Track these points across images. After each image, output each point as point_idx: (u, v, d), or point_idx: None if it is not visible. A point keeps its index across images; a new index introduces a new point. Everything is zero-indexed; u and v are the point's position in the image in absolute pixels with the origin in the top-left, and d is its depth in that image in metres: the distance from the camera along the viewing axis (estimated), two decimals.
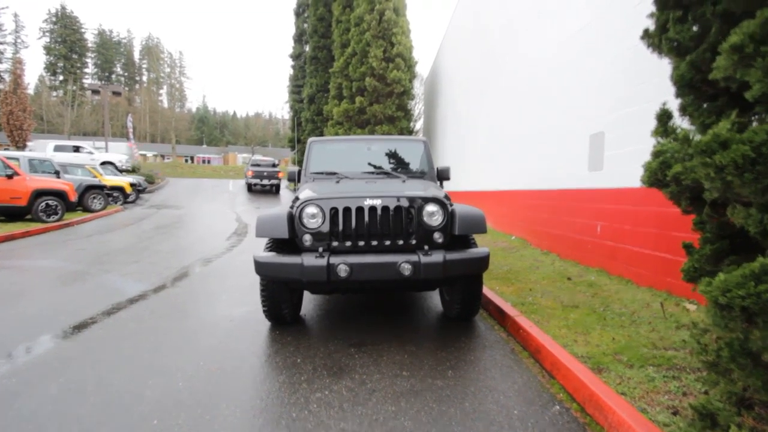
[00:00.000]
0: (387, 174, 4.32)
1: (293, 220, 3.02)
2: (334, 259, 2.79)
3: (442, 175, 4.44)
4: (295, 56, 24.24)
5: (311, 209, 3.01)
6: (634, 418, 1.76)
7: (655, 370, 2.25)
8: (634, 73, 4.11)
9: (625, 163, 4.20)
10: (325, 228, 2.99)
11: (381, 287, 3.14)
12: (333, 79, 17.66)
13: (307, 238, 2.99)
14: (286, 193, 23.56)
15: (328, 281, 2.78)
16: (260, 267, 2.88)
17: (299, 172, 4.39)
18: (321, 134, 19.83)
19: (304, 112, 21.18)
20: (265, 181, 22.01)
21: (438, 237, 3.05)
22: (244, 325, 3.33)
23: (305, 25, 23.28)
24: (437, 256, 2.85)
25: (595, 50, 4.73)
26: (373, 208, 3.01)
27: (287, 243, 3.11)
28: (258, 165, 22.75)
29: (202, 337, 3.08)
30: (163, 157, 49.94)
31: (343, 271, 2.75)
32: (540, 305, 3.54)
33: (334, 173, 4.29)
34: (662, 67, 3.93)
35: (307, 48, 23.55)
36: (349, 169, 4.45)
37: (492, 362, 2.65)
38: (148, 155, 38.29)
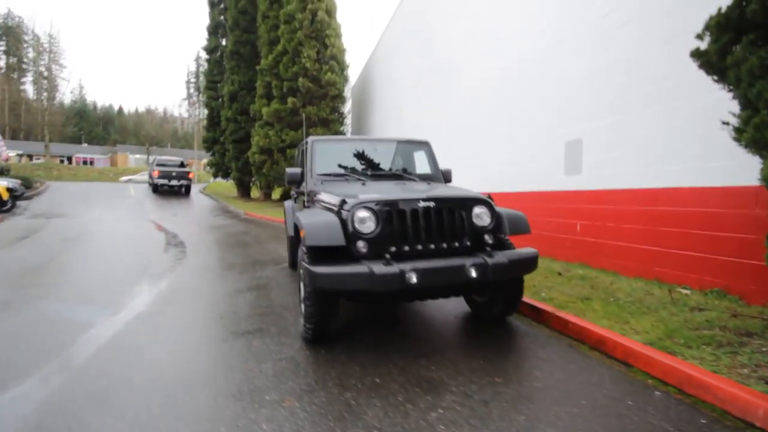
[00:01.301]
0: (397, 176, 4.19)
1: (345, 226, 2.75)
2: (402, 266, 2.60)
3: (446, 178, 4.46)
4: (211, 50, 22.25)
5: (364, 213, 2.78)
6: (744, 391, 1.96)
7: (712, 348, 2.54)
8: (608, 86, 4.63)
9: (604, 167, 4.71)
10: (380, 232, 2.78)
11: (444, 292, 3.02)
12: (260, 77, 16.65)
13: (361, 245, 2.74)
14: (199, 197, 21.52)
15: (409, 291, 2.59)
16: (320, 279, 2.56)
17: (302, 174, 4.03)
18: (247, 135, 18.50)
19: (224, 110, 19.54)
20: (174, 182, 20.50)
21: (488, 238, 3.06)
22: (265, 349, 2.92)
23: (222, 18, 21.55)
24: (502, 257, 2.85)
25: (570, 64, 5.22)
26: (427, 210, 2.90)
27: (328, 252, 2.78)
28: (164, 165, 21.16)
29: (239, 363, 2.62)
30: (30, 157, 41.66)
31: (413, 277, 2.58)
32: (557, 300, 3.75)
33: (344, 175, 4.04)
34: (636, 82, 4.46)
35: (224, 42, 21.85)
36: (356, 170, 4.23)
37: (563, 358, 2.72)
38: (11, 154, 31.49)
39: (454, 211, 2.97)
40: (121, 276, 5.24)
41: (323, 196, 3.32)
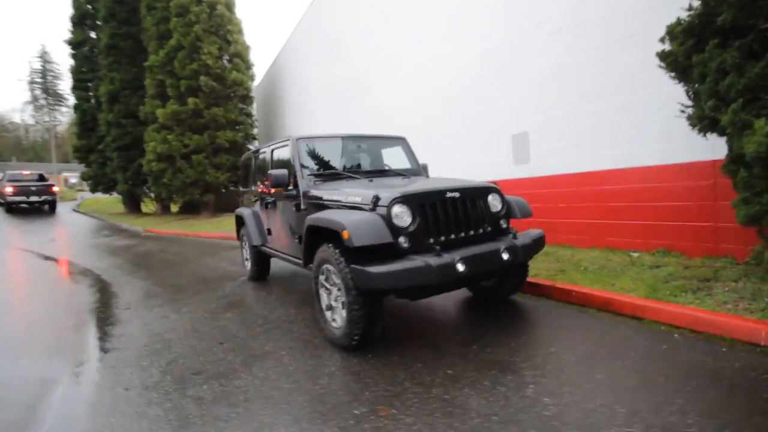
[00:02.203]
0: (383, 172, 4.17)
1: (384, 222, 2.66)
2: (450, 256, 2.63)
3: (425, 172, 4.58)
4: (77, 43, 18.70)
5: (401, 207, 2.74)
6: (744, 320, 2.48)
7: (690, 294, 3.12)
8: (552, 86, 5.28)
9: (553, 156, 5.34)
10: (417, 225, 2.76)
11: (481, 278, 3.10)
12: (150, 74, 14.65)
13: (402, 239, 2.70)
14: (73, 216, 18.20)
15: (454, 280, 2.60)
16: (377, 278, 2.44)
17: (291, 175, 3.74)
18: (135, 141, 16.09)
19: (103, 113, 16.65)
20: (34, 198, 17.82)
21: (503, 223, 3.26)
22: (303, 365, 2.69)
23: (89, 7, 18.31)
24: (526, 239, 3.07)
25: (515, 64, 5.78)
26: (454, 200, 2.97)
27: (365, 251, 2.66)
28: (18, 180, 17.76)
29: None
30: None
31: (461, 266, 2.62)
32: (539, 275, 4.16)
33: (335, 173, 3.88)
34: (578, 81, 5.13)
35: (94, 34, 18.66)
36: (343, 167, 4.09)
37: (585, 322, 3.05)
38: None
39: (475, 200, 3.10)
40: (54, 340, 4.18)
41: (337, 196, 3.14)
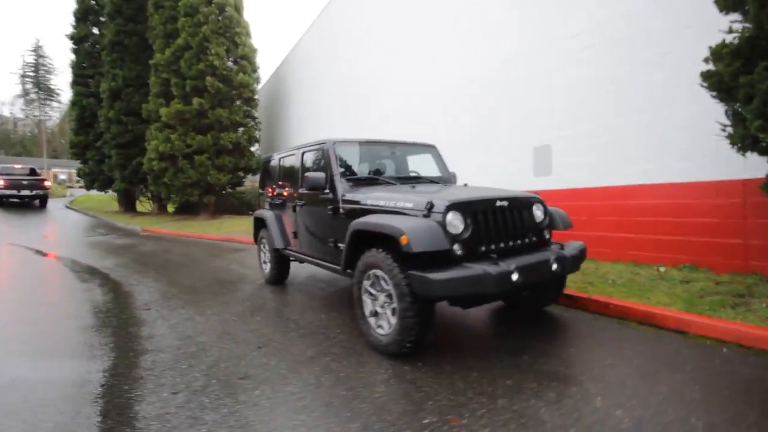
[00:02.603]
0: (417, 179, 4.17)
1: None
2: (505, 265, 2.62)
3: (454, 180, 4.59)
4: (79, 39, 18.44)
5: (456, 214, 2.73)
6: None
7: (729, 309, 3.15)
8: (576, 100, 5.36)
9: (573, 169, 5.41)
10: (470, 233, 2.75)
11: (531, 288, 3.09)
12: (155, 73, 14.52)
13: (456, 246, 2.68)
14: (67, 214, 17.84)
15: (511, 289, 2.59)
16: (437, 285, 2.41)
17: (327, 179, 3.70)
18: (135, 139, 15.86)
19: (103, 109, 16.39)
20: (26, 192, 17.68)
21: (546, 234, 3.28)
22: (352, 372, 2.64)
23: (93, 2, 18.13)
24: (573, 250, 3.08)
25: (539, 77, 5.86)
26: (502, 209, 2.98)
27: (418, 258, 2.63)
28: (10, 174, 17.64)
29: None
30: None
31: (516, 275, 2.61)
32: (568, 285, 4.17)
33: (373, 179, 3.86)
34: (598, 97, 5.21)
35: (96, 30, 18.45)
36: (384, 173, 4.09)
37: (629, 335, 3.05)
38: None
39: (521, 210, 3.11)
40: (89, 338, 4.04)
41: (383, 201, 3.11)
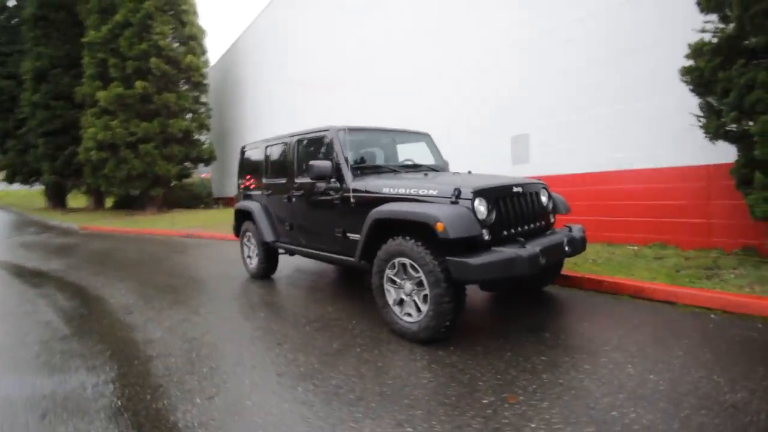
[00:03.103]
0: (416, 167, 4.18)
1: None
2: (532, 247, 2.74)
3: (448, 169, 4.66)
4: None
5: (483, 201, 2.79)
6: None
7: (706, 281, 3.54)
8: (556, 90, 5.65)
9: (548, 157, 5.72)
10: (495, 218, 2.84)
11: (549, 269, 3.24)
12: (89, 52, 13.08)
13: (485, 232, 2.76)
14: None
15: (539, 271, 2.71)
16: (475, 270, 2.47)
17: (335, 167, 3.60)
18: (66, 126, 14.21)
19: (26, 92, 14.46)
20: None
21: (551, 218, 3.46)
22: (388, 361, 2.65)
23: None
24: (579, 232, 3.28)
25: (519, 66, 6.08)
26: (518, 195, 3.09)
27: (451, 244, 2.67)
28: None
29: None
30: None
31: (542, 258, 2.74)
32: None
33: (376, 167, 3.82)
34: (575, 90, 5.52)
35: (11, 2, 16.12)
36: (382, 162, 4.05)
37: (626, 309, 3.32)
38: None
39: (532, 195, 3.25)
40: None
41: (402, 189, 3.07)
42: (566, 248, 3.07)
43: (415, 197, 2.98)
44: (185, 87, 13.97)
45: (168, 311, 3.90)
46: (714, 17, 3.44)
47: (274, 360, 2.70)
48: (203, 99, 14.85)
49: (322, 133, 3.88)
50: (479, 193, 2.79)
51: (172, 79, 13.25)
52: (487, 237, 2.76)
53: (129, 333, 3.34)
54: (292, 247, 4.41)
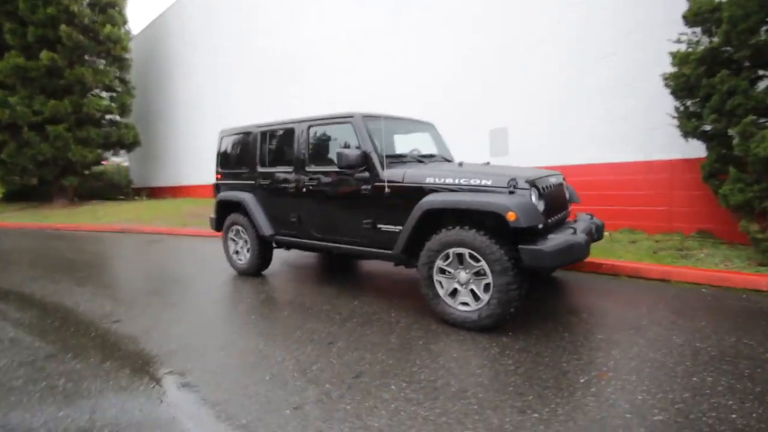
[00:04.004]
0: (431, 156, 4.17)
1: None
2: (582, 234, 2.93)
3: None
4: None
5: (533, 191, 2.90)
6: (748, 274, 3.45)
7: (685, 260, 4.09)
8: (532, 90, 6.01)
9: (525, 152, 6.11)
10: (543, 207, 2.97)
11: None
12: None
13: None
14: None
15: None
16: (549, 256, 2.60)
17: (365, 156, 3.43)
18: None
19: None
20: None
21: (569, 207, 3.72)
22: (467, 349, 2.66)
23: None
24: (598, 221, 3.56)
25: (494, 61, 6.34)
26: (553, 185, 3.27)
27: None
28: None
29: None
30: None
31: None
32: None
33: (400, 156, 3.74)
34: (551, 89, 5.94)
35: None
36: (401, 151, 3.96)
37: (627, 288, 3.71)
38: None
39: (560, 185, 3.45)
40: None
41: (448, 179, 3.03)
42: (594, 234, 3.33)
43: (467, 187, 2.98)
44: (104, 61, 12.12)
45: (164, 316, 3.42)
46: (689, 30, 3.97)
47: (339, 360, 2.53)
48: (126, 77, 13.04)
49: (344, 120, 3.67)
50: (532, 183, 2.89)
51: (88, 52, 11.41)
52: (541, 225, 2.88)
53: (135, 345, 2.87)
54: (300, 240, 4.13)
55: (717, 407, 1.89)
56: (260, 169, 4.42)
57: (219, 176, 5.00)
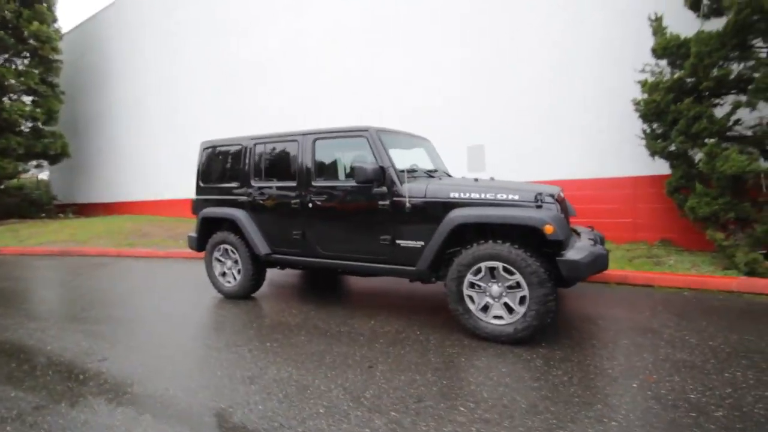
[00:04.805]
0: (434, 171, 4.21)
1: None
2: (601, 246, 3.13)
3: None
4: None
5: (557, 205, 3.04)
6: (719, 277, 3.90)
7: (660, 267, 4.52)
8: (510, 107, 6.37)
9: (506, 167, 6.43)
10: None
11: None
12: None
13: None
14: None
15: None
16: (584, 267, 2.74)
17: (381, 170, 3.38)
18: None
19: None
20: None
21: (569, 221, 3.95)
22: (520, 363, 2.68)
23: None
24: (598, 232, 3.81)
25: (474, 82, 6.64)
26: (563, 200, 3.46)
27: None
28: None
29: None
30: None
31: None
32: None
33: (412, 171, 3.73)
34: (527, 107, 6.36)
35: None
36: (409, 166, 3.95)
37: (624, 295, 4.01)
38: None
39: (564, 199, 3.66)
40: None
41: (474, 194, 3.08)
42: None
43: (495, 202, 3.04)
44: (26, 62, 10.73)
45: (164, 352, 3.03)
46: (653, 62, 4.52)
47: (388, 386, 2.39)
48: (54, 81, 11.65)
49: (357, 134, 3.58)
50: (554, 197, 3.03)
51: (11, 50, 10.04)
52: (562, 238, 3.01)
53: (142, 387, 2.49)
54: (302, 259, 3.91)
55: (760, 399, 2.09)
56: (255, 184, 4.15)
57: (199, 191, 4.62)
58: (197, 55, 10.49)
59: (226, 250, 4.33)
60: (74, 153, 12.99)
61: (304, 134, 3.89)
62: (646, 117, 4.61)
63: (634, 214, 5.60)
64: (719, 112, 4.16)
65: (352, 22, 8.07)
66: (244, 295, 4.29)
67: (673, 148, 4.46)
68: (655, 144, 4.58)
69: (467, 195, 3.13)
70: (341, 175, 3.90)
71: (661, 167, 4.94)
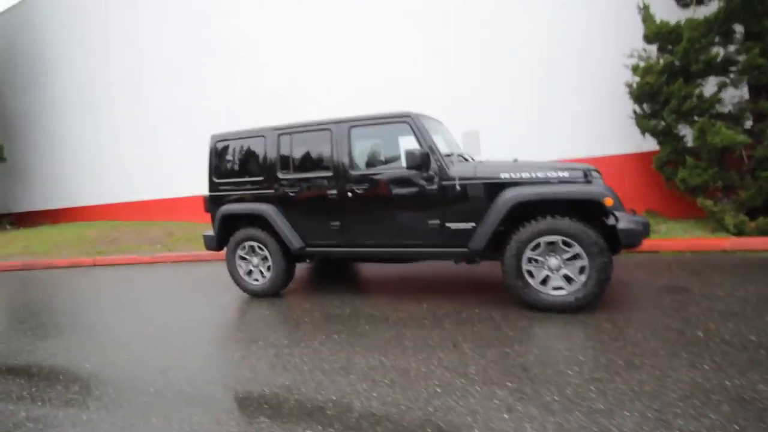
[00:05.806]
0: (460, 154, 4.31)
1: None
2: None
3: None
4: None
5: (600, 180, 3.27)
6: (715, 238, 4.40)
7: (658, 234, 4.99)
8: (505, 92, 6.62)
9: (496, 151, 6.69)
10: None
11: None
12: None
13: None
14: None
15: None
16: (642, 235, 2.95)
17: (429, 154, 3.42)
18: None
19: None
20: None
21: None
22: (611, 332, 2.88)
23: None
24: None
25: (470, 72, 6.80)
26: None
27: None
28: None
29: None
30: None
31: None
32: None
33: (450, 154, 3.80)
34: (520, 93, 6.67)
35: None
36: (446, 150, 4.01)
37: (638, 262, 4.38)
38: None
39: None
40: None
41: (525, 173, 3.20)
42: None
43: (547, 179, 3.19)
44: None
45: (228, 355, 2.88)
46: (641, 47, 4.94)
47: (486, 360, 2.48)
48: None
49: (399, 120, 3.57)
50: (598, 173, 3.25)
51: None
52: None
53: (245, 389, 2.36)
54: (341, 249, 3.85)
55: None
56: (282, 176, 4.00)
57: (214, 187, 4.36)
58: (168, 39, 9.68)
59: (252, 247, 4.15)
60: (9, 155, 11.52)
61: (338, 122, 3.80)
62: (639, 98, 5.03)
63: (620, 190, 6.09)
64: (705, 93, 4.66)
65: (343, 5, 7.89)
66: (273, 292, 4.14)
67: (662, 125, 4.92)
68: (646, 123, 5.02)
69: (517, 175, 3.26)
70: (381, 162, 3.86)
71: (647, 145, 5.43)
